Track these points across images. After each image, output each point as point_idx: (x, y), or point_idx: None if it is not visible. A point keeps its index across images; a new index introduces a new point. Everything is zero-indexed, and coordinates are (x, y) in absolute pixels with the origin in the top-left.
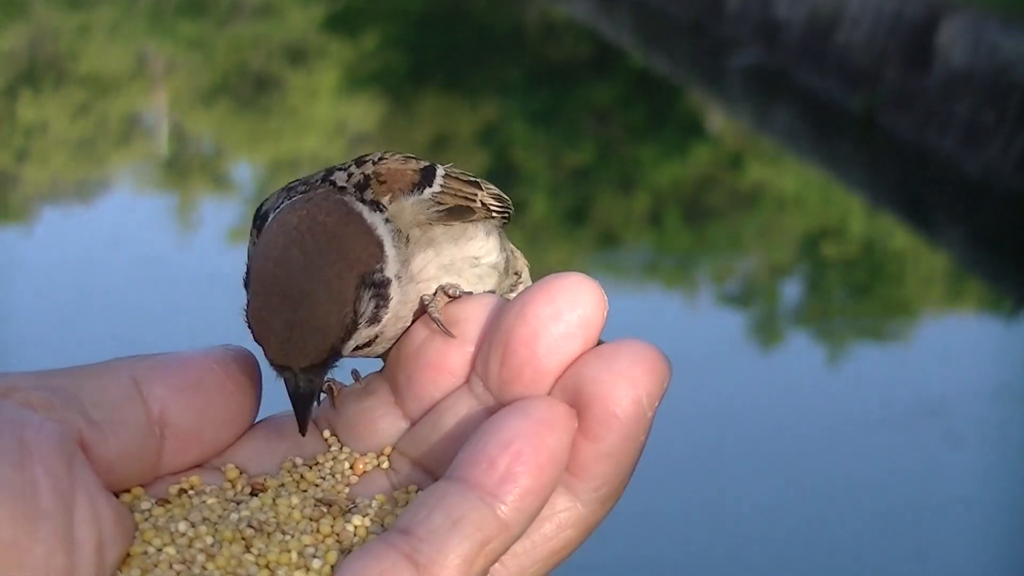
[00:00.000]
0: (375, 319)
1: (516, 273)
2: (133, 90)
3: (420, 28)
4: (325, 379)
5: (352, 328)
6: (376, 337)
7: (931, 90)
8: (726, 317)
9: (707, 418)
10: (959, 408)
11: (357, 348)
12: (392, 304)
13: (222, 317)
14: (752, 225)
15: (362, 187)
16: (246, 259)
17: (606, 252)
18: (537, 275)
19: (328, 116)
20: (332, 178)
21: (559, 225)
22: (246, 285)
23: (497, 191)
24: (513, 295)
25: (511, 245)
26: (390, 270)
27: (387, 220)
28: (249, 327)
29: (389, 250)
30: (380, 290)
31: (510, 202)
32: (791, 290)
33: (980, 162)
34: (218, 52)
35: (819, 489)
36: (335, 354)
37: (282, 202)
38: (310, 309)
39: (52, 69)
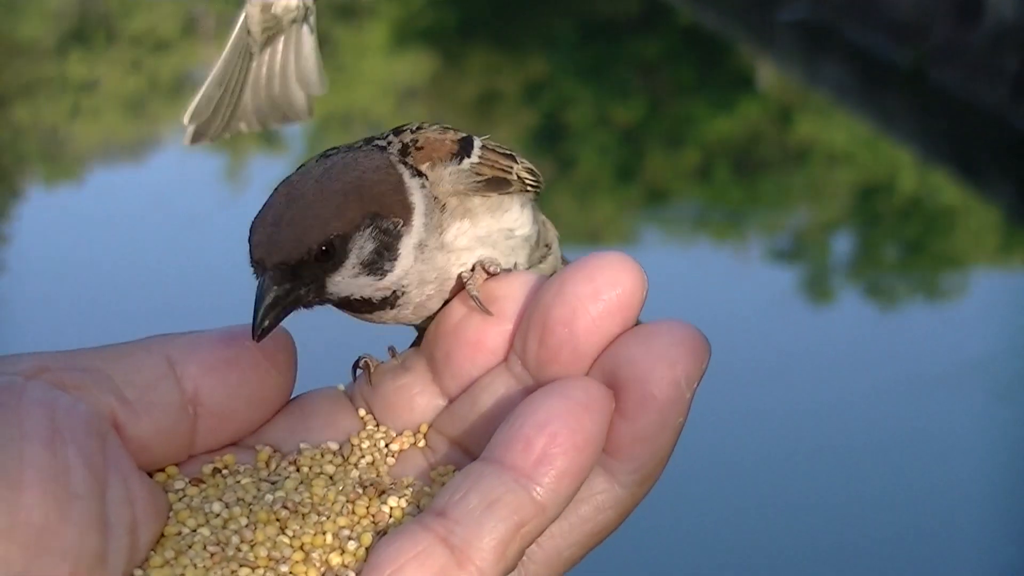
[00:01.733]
0: (375, 268)
1: (547, 245)
2: (184, 48)
3: None
4: (291, 296)
5: (339, 252)
6: (394, 297)
7: (980, 43)
8: (776, 272)
9: (755, 373)
10: (1006, 364)
11: (370, 305)
12: (412, 267)
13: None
14: (802, 180)
15: (403, 153)
16: None
17: (655, 208)
18: (586, 231)
19: (377, 73)
20: (375, 143)
21: (608, 181)
22: None
23: (530, 165)
24: (543, 265)
25: (542, 216)
26: (413, 234)
27: (423, 186)
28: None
29: (418, 217)
30: (388, 241)
31: (541, 176)
32: (841, 245)
33: None
34: None
35: (866, 444)
36: (313, 263)
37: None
38: (301, 209)
39: (102, 27)
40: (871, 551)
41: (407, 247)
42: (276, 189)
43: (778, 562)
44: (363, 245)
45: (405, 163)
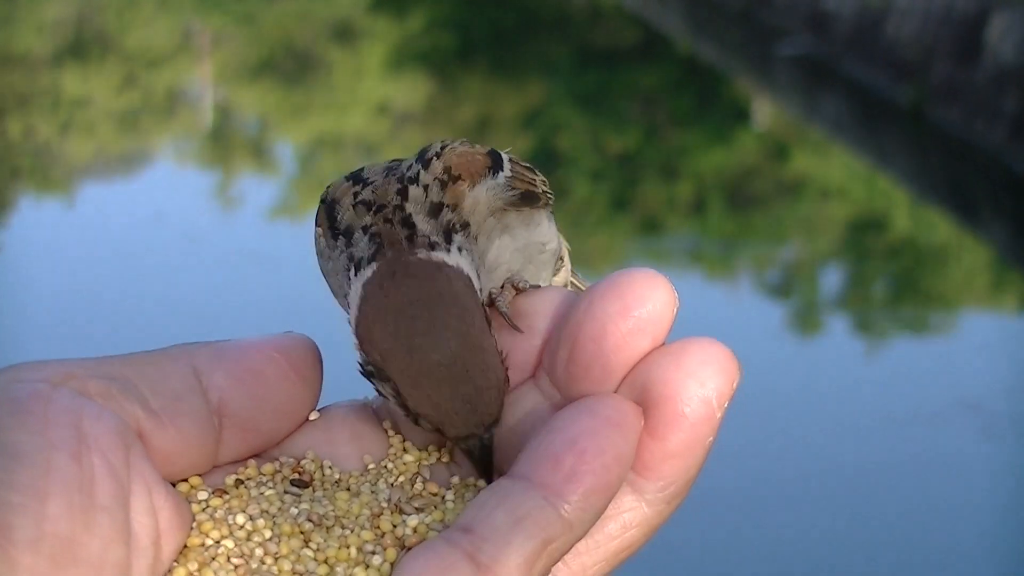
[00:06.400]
0: None
1: (560, 258)
2: (178, 64)
3: (467, 8)
4: None
5: (507, 368)
6: None
7: (980, 83)
8: (767, 306)
9: (744, 405)
10: (997, 404)
11: None
12: (479, 287)
13: (261, 293)
14: (796, 214)
15: (437, 209)
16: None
17: (648, 238)
18: (578, 260)
19: (373, 95)
20: (408, 211)
21: (602, 210)
22: (371, 376)
23: (544, 178)
24: (557, 278)
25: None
26: (482, 292)
27: (460, 249)
28: (415, 419)
29: (475, 282)
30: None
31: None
32: (833, 280)
33: None
34: (264, 28)
35: (854, 479)
36: None
37: (371, 250)
38: (480, 375)
39: (98, 41)
40: None
41: (481, 291)
42: (412, 368)
43: None
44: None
45: (444, 235)
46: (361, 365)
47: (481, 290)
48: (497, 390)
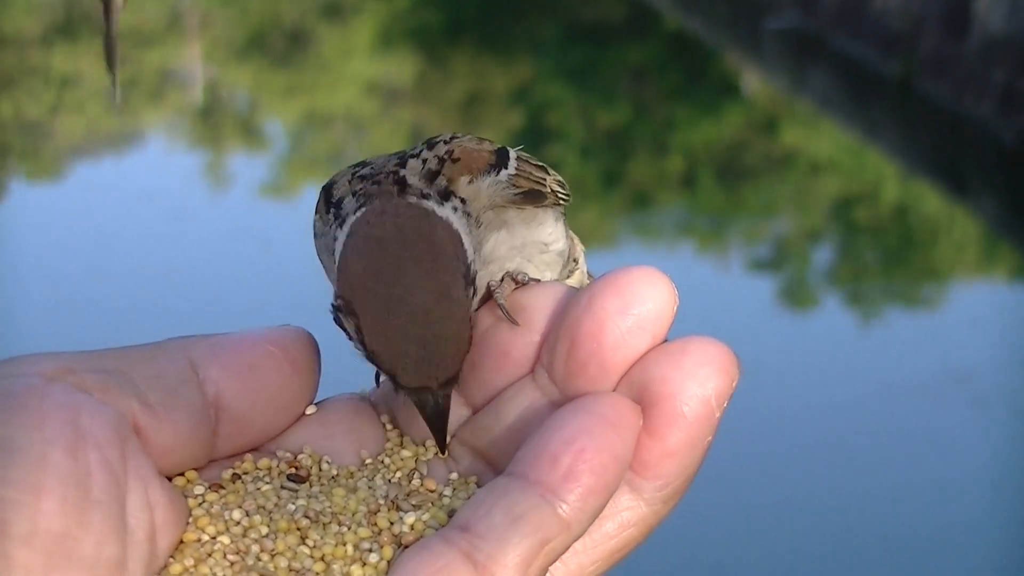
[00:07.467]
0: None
1: (574, 260)
2: (167, 43)
3: None
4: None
5: (473, 328)
6: None
7: (968, 56)
8: (758, 280)
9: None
10: (988, 375)
11: None
12: (469, 249)
13: (252, 271)
14: (785, 188)
15: (433, 175)
16: (322, 251)
17: (639, 213)
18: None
19: (362, 72)
20: (402, 174)
21: (592, 186)
22: (339, 310)
23: (560, 178)
24: (571, 280)
25: (570, 231)
26: (472, 259)
27: (455, 209)
28: (370, 356)
29: (467, 241)
30: (474, 282)
31: (568, 189)
32: (823, 254)
33: (1016, 129)
34: (253, 6)
35: (845, 452)
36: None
37: (358, 204)
38: (441, 325)
39: (87, 20)
40: (850, 557)
41: (470, 252)
42: (375, 301)
43: (757, 567)
44: (474, 302)
45: (430, 194)
46: (333, 304)
47: (472, 263)
48: (457, 343)
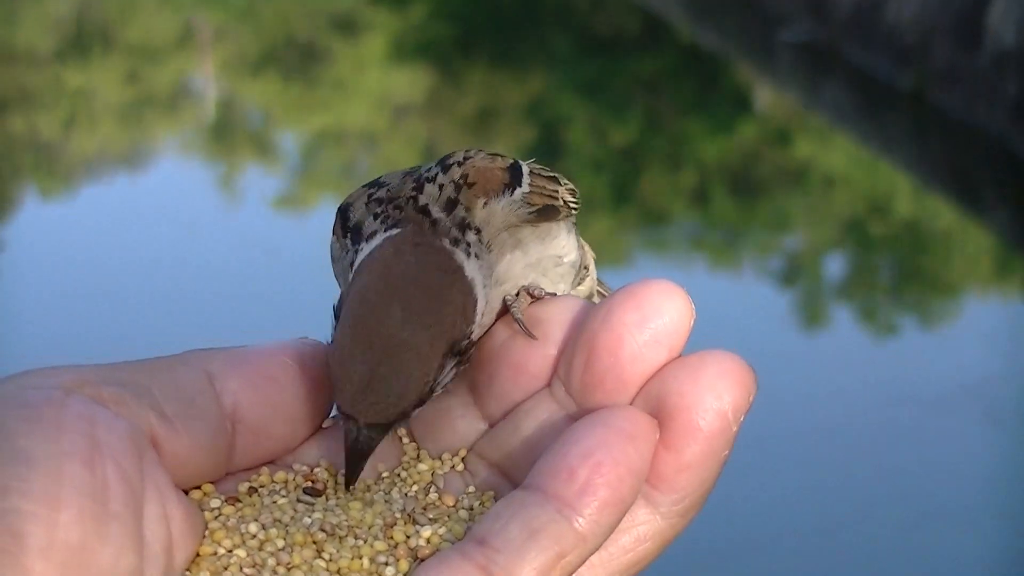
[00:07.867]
0: (457, 366)
1: (585, 267)
2: (181, 58)
3: None
4: (380, 440)
5: (427, 396)
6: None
7: (981, 68)
8: (771, 293)
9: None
10: (1001, 389)
11: None
12: (478, 319)
13: (264, 286)
14: (799, 202)
15: (452, 204)
16: (339, 273)
17: (651, 227)
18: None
19: (374, 87)
20: (423, 202)
21: (604, 200)
22: (337, 316)
23: (572, 186)
24: (581, 287)
25: (580, 239)
26: (479, 311)
27: (470, 254)
28: (325, 361)
29: (479, 307)
30: (463, 355)
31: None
32: (837, 268)
33: None
34: (266, 22)
35: (859, 467)
36: (403, 418)
37: (383, 225)
38: (394, 368)
39: (100, 36)
40: (863, 572)
41: (476, 325)
42: (354, 319)
43: None
44: (446, 376)
45: (458, 240)
46: (333, 306)
47: (470, 334)
48: (399, 397)
